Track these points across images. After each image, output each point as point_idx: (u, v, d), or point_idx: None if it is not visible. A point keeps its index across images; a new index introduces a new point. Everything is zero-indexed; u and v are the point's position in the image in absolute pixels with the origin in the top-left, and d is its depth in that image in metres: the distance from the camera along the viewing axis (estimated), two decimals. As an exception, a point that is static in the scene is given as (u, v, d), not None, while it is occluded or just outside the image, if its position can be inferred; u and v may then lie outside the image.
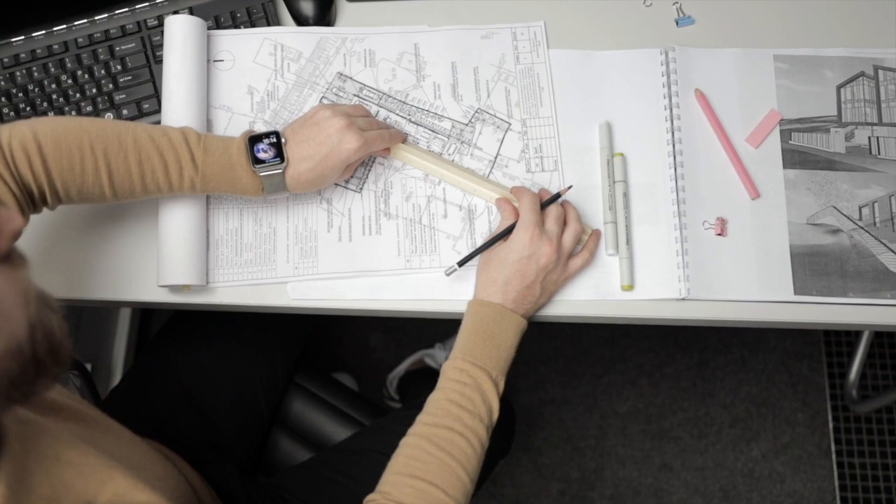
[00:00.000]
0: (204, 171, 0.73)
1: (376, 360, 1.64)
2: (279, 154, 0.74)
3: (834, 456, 1.58)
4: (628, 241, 0.81)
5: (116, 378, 1.44)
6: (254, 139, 0.74)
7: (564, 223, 0.78)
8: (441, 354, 1.54)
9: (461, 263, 0.78)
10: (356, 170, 0.84)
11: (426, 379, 1.49)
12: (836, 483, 1.57)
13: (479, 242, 0.81)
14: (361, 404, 1.08)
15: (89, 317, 1.37)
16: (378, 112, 0.86)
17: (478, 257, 0.79)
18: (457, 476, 0.68)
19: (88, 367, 1.30)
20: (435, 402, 0.72)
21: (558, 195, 0.79)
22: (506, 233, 0.77)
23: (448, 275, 0.78)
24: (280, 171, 0.74)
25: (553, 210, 0.78)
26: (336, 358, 1.65)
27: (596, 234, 0.80)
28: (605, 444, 1.60)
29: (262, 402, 1.00)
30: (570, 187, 0.81)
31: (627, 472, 1.59)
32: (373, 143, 0.78)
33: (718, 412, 1.62)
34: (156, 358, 1.00)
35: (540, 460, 1.59)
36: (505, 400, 1.10)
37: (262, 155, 0.74)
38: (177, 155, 0.72)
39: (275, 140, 0.75)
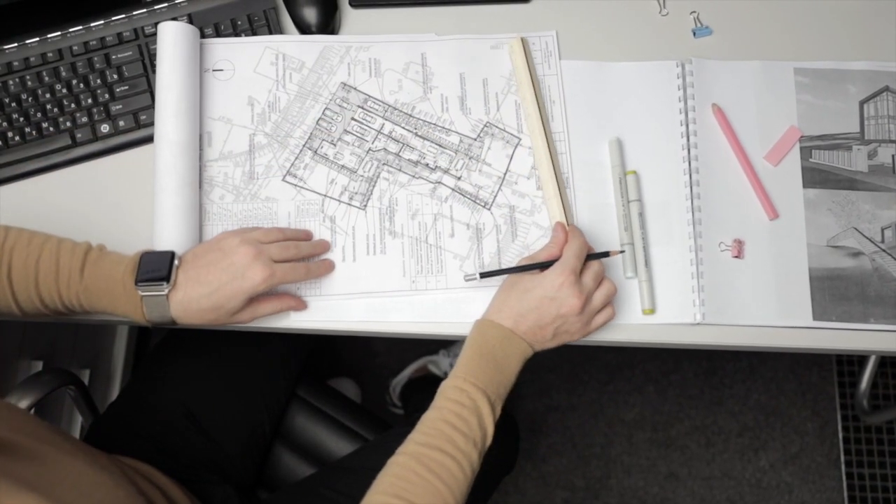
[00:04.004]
0: (87, 284, 0.69)
1: (379, 364, 1.62)
2: (168, 275, 0.69)
3: (843, 466, 1.56)
4: (647, 263, 0.78)
5: (116, 383, 1.42)
6: (147, 257, 0.70)
7: (600, 283, 0.74)
8: (445, 361, 1.52)
9: (484, 276, 0.75)
10: (359, 185, 0.81)
11: (429, 387, 1.46)
12: (846, 494, 1.54)
13: (487, 262, 0.79)
14: (364, 417, 1.06)
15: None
16: (383, 125, 0.83)
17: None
18: (444, 500, 0.66)
19: (87, 373, 1.28)
20: (429, 421, 0.70)
21: (607, 253, 0.75)
22: (541, 265, 0.74)
23: (466, 280, 0.76)
24: (163, 293, 0.68)
25: (595, 266, 0.73)
26: (339, 363, 1.62)
27: None
28: (611, 453, 1.58)
29: (264, 417, 0.98)
30: (622, 251, 0.78)
31: (633, 481, 1.57)
32: (283, 276, 0.72)
33: (726, 421, 1.59)
34: (154, 372, 0.98)
35: (544, 468, 1.57)
36: (508, 416, 1.08)
37: (149, 274, 0.69)
38: (71, 263, 0.69)
39: (168, 260, 0.69)
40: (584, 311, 0.72)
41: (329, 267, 0.78)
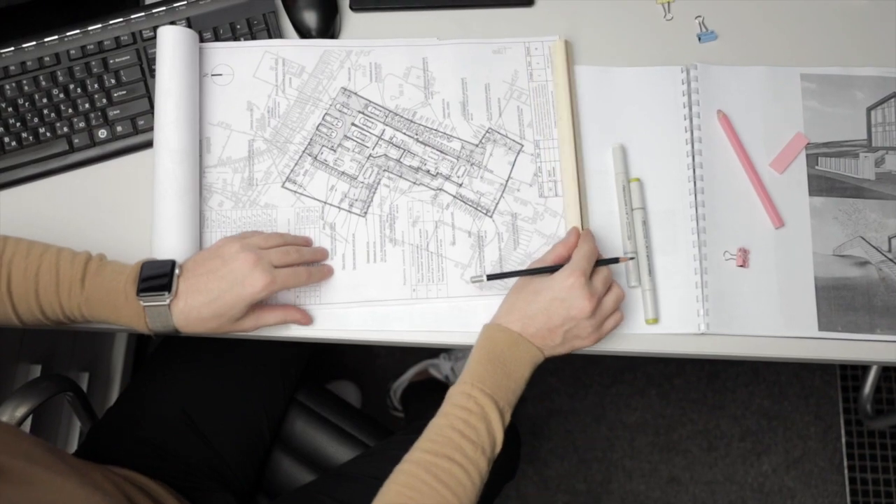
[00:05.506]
0: (89, 295, 0.68)
1: (380, 367, 1.61)
2: (169, 285, 0.69)
3: (846, 471, 1.55)
4: (650, 272, 0.77)
5: (115, 386, 1.42)
6: (148, 266, 0.69)
7: (609, 288, 0.73)
8: (446, 364, 1.51)
9: (491, 278, 0.74)
10: (359, 192, 0.80)
11: (430, 392, 1.46)
12: (849, 499, 1.53)
13: (488, 270, 0.78)
14: (364, 423, 1.05)
15: (87, 325, 1.34)
16: (384, 131, 0.82)
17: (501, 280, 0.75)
18: None
19: (86, 376, 1.27)
20: (437, 428, 0.68)
21: (616, 259, 0.75)
22: (549, 269, 0.73)
23: (473, 282, 0.75)
24: (165, 303, 0.68)
25: (604, 270, 0.73)
26: (339, 365, 1.62)
27: None
28: (613, 456, 1.57)
29: (263, 423, 0.97)
30: (632, 258, 0.77)
31: (635, 486, 1.56)
32: (284, 281, 0.71)
33: (729, 425, 1.59)
34: (153, 377, 0.97)
35: (546, 472, 1.56)
36: (510, 422, 1.07)
37: (150, 284, 0.68)
38: (72, 273, 0.68)
39: (169, 269, 0.69)
40: (594, 314, 0.70)
41: (329, 272, 0.78)
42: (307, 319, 0.76)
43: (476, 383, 0.69)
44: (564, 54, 0.82)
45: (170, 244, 0.75)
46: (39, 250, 0.70)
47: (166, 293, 0.68)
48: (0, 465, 0.56)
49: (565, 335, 0.71)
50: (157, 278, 0.69)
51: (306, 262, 0.76)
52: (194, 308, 0.69)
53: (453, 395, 0.70)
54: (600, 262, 0.73)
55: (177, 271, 0.70)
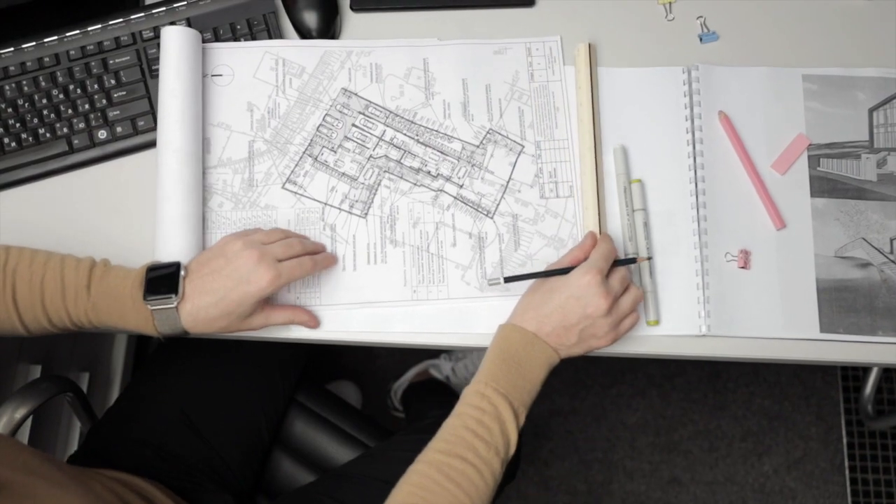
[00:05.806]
0: (95, 301, 0.68)
1: (380, 367, 1.61)
2: (175, 287, 0.68)
3: (847, 472, 1.55)
4: (652, 274, 0.77)
5: (116, 386, 1.42)
6: (154, 270, 0.69)
7: (626, 288, 0.73)
8: (447, 365, 1.51)
9: (508, 280, 0.74)
10: (359, 193, 0.80)
11: (430, 392, 1.45)
12: (850, 500, 1.53)
13: (489, 272, 0.78)
14: (365, 424, 1.05)
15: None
16: (385, 131, 0.82)
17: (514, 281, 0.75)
18: None
19: (86, 377, 1.27)
20: (450, 428, 0.68)
21: (633, 259, 0.75)
22: (566, 271, 0.72)
23: (490, 285, 0.75)
24: (172, 305, 0.68)
25: (622, 270, 0.72)
26: (339, 366, 1.61)
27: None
28: (613, 457, 1.57)
29: (262, 424, 0.97)
30: (649, 258, 0.77)
31: (635, 486, 1.56)
32: (290, 274, 0.70)
33: (730, 425, 1.58)
34: (153, 378, 0.97)
35: (547, 472, 1.56)
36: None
37: (156, 288, 0.68)
38: (77, 280, 0.68)
39: (174, 272, 0.69)
40: (611, 313, 0.70)
41: (334, 259, 0.78)
42: (315, 322, 0.76)
43: (490, 382, 0.69)
44: (587, 57, 0.82)
45: (173, 245, 0.75)
46: (43, 258, 0.70)
47: (173, 296, 0.68)
48: (1, 479, 0.56)
49: (581, 334, 0.70)
50: (163, 281, 0.69)
51: (310, 253, 0.75)
52: (202, 309, 0.69)
53: (467, 395, 0.69)
54: (618, 263, 0.73)
55: (182, 273, 0.70)
